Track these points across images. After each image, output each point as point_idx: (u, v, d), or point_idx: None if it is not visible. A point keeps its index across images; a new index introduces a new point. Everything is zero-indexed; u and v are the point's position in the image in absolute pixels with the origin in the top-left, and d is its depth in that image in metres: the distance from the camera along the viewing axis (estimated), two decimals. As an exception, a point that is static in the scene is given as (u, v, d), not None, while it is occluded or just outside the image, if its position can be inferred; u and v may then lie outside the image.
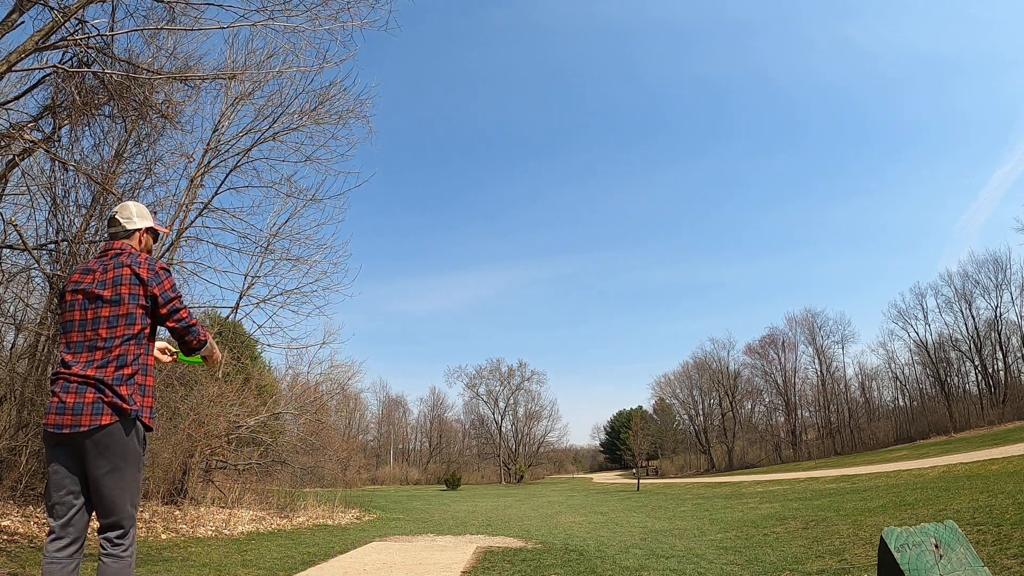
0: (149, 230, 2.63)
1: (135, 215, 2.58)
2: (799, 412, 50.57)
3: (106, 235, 2.56)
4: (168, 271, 2.46)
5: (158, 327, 2.49)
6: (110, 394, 2.23)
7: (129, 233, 2.55)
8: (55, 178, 7.03)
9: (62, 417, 2.20)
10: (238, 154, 10.33)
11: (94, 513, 2.30)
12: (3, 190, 6.83)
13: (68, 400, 2.21)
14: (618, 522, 11.87)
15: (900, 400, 47.20)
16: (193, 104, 8.14)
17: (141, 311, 2.35)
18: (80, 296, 2.34)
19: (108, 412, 2.22)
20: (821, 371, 49.57)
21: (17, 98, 6.38)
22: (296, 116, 10.34)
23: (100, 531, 2.24)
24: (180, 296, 2.47)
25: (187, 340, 2.47)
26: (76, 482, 2.24)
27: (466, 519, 13.00)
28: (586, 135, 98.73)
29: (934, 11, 75.50)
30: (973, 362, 41.69)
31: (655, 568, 5.31)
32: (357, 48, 7.29)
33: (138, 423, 2.32)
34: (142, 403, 2.33)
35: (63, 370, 2.28)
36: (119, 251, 2.45)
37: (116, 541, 2.23)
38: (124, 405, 2.24)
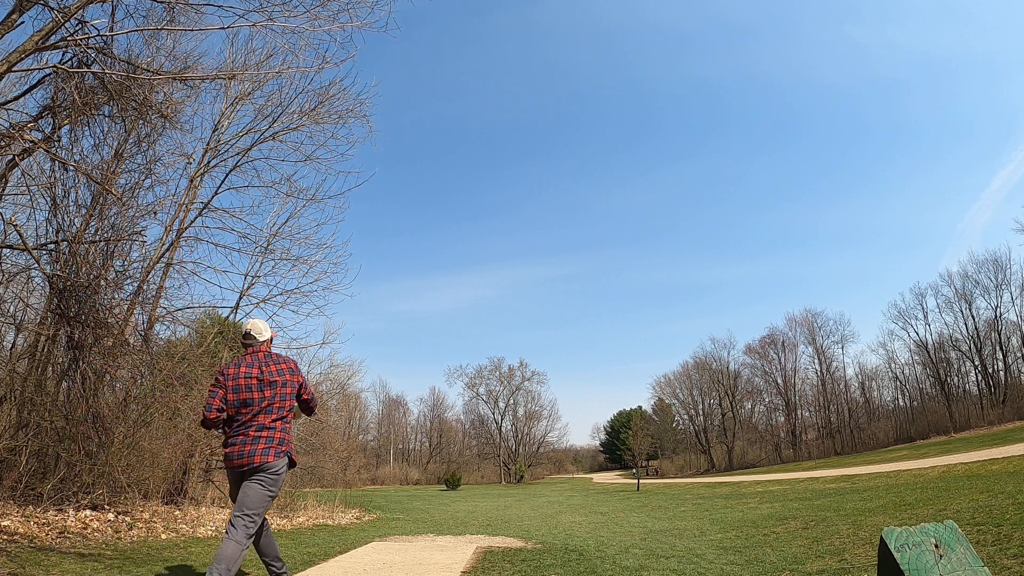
0: (271, 339, 3.98)
1: (263, 330, 3.90)
2: (799, 412, 50.59)
3: (242, 343, 4.01)
4: (298, 365, 3.91)
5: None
6: (276, 441, 3.60)
7: (262, 342, 3.86)
8: (55, 178, 7.01)
9: (242, 459, 3.52)
10: (238, 154, 10.32)
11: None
12: (3, 190, 6.82)
13: (247, 448, 3.53)
14: (618, 522, 11.87)
15: (900, 400, 47.28)
16: (193, 104, 8.15)
17: (292, 391, 3.79)
18: (255, 380, 3.63)
19: (272, 453, 3.57)
20: (821, 371, 49.61)
21: (17, 98, 6.38)
22: (296, 116, 10.34)
23: (233, 512, 3.41)
24: (306, 379, 3.94)
25: (310, 407, 4.01)
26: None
27: (466, 519, 12.99)
28: (585, 135, 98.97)
29: (935, 12, 75.54)
30: (973, 362, 41.73)
31: (655, 568, 5.31)
32: (357, 49, 7.28)
33: (288, 459, 3.67)
34: (290, 443, 3.71)
35: (242, 429, 3.57)
36: (268, 353, 3.82)
37: (239, 527, 3.35)
38: (285, 448, 3.64)
